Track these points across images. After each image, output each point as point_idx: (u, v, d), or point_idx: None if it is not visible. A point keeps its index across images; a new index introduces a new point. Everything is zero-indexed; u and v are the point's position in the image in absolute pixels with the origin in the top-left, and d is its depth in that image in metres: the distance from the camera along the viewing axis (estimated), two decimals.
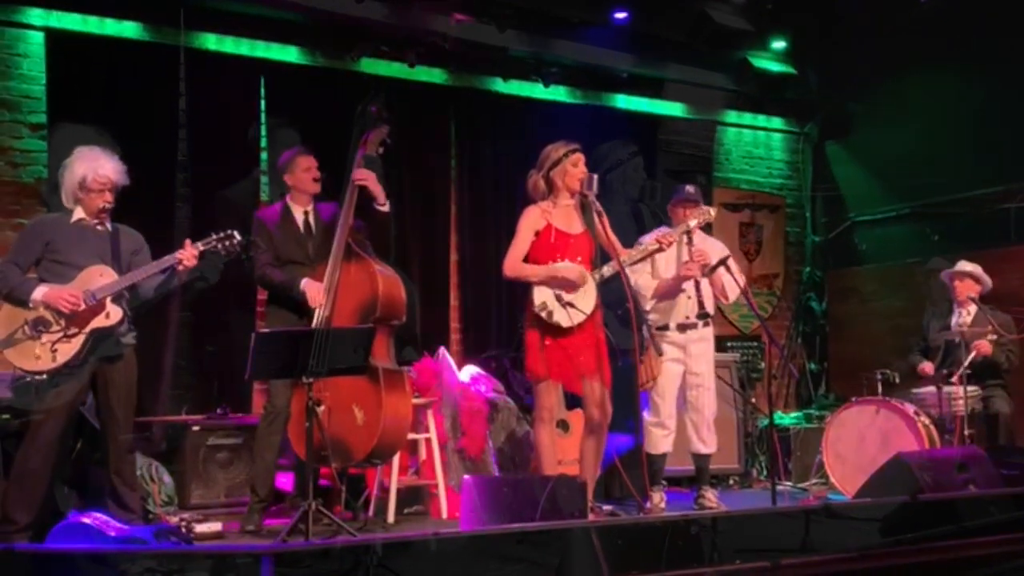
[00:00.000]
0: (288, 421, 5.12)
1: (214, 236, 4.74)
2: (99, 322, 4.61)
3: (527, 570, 3.61)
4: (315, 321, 5.04)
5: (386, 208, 5.31)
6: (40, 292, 4.54)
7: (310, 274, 5.17)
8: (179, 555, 3.40)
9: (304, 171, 5.32)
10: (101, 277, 4.62)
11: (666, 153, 8.38)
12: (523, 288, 5.15)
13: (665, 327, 5.76)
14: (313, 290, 5.10)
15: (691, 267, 5.56)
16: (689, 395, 5.79)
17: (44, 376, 4.54)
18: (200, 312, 6.47)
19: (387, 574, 3.32)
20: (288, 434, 5.14)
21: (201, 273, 5.28)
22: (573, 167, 5.12)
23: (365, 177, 5.25)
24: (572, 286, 4.99)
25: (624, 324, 5.16)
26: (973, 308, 6.50)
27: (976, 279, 6.53)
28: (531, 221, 5.14)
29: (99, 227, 4.74)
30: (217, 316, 6.47)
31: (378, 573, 3.31)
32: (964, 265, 6.59)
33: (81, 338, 4.57)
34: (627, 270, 5.12)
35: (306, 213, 5.36)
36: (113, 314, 4.64)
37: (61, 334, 4.55)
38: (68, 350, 4.56)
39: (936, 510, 4.42)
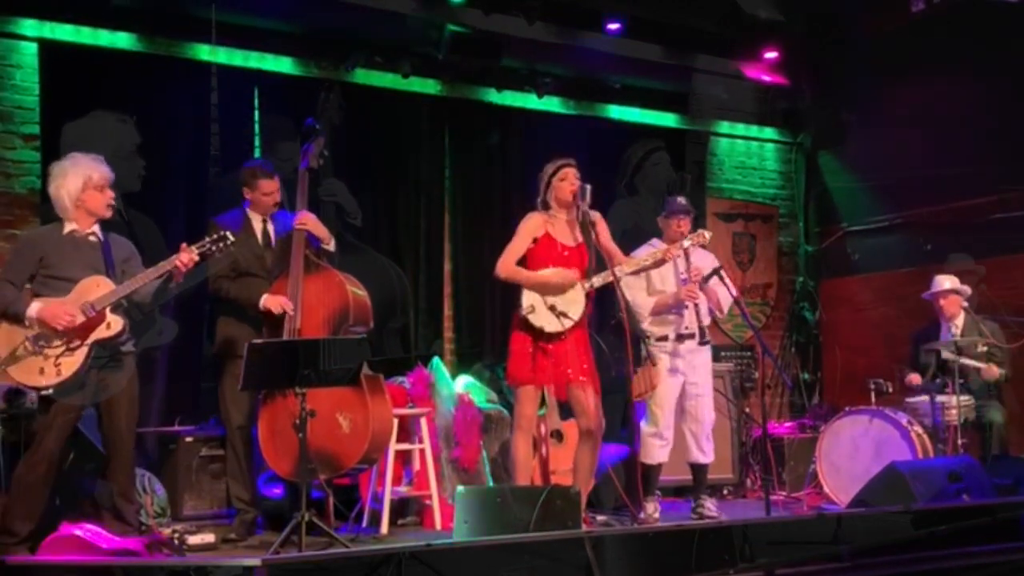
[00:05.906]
0: (248, 436, 5.11)
1: (208, 239, 4.71)
2: (100, 333, 4.57)
3: None
4: (285, 334, 5.00)
5: (331, 247, 5.28)
6: (35, 309, 4.50)
7: (267, 290, 5.11)
8: (172, 567, 3.40)
9: (264, 195, 5.26)
10: (98, 288, 4.57)
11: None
12: (515, 294, 5.19)
13: (664, 338, 5.76)
14: (277, 303, 5.04)
15: (692, 290, 5.56)
16: (688, 405, 5.78)
17: (50, 391, 4.51)
18: None
19: None
20: (262, 452, 5.06)
21: None
22: (561, 182, 5.22)
23: (305, 221, 5.16)
24: (559, 289, 5.05)
25: (618, 334, 5.16)
26: (962, 318, 6.49)
27: (958, 292, 6.52)
28: (532, 226, 5.23)
29: (91, 238, 4.71)
30: None
31: None
32: (943, 282, 6.53)
33: (84, 350, 4.54)
34: (622, 286, 5.16)
35: (264, 222, 5.34)
36: (114, 324, 4.60)
37: (63, 348, 4.52)
38: (72, 363, 4.52)
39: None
